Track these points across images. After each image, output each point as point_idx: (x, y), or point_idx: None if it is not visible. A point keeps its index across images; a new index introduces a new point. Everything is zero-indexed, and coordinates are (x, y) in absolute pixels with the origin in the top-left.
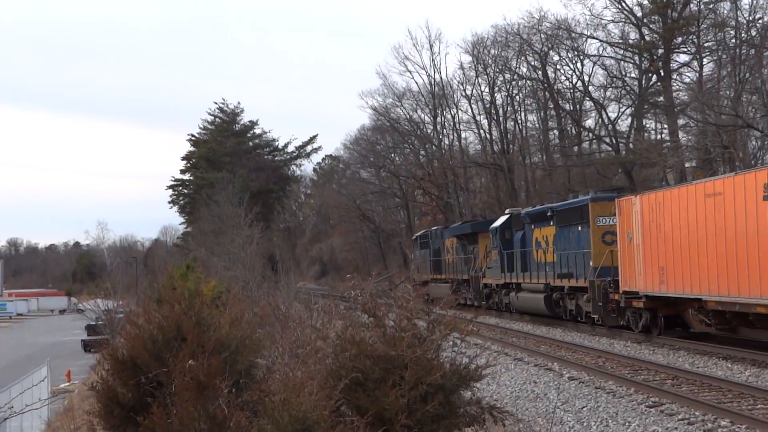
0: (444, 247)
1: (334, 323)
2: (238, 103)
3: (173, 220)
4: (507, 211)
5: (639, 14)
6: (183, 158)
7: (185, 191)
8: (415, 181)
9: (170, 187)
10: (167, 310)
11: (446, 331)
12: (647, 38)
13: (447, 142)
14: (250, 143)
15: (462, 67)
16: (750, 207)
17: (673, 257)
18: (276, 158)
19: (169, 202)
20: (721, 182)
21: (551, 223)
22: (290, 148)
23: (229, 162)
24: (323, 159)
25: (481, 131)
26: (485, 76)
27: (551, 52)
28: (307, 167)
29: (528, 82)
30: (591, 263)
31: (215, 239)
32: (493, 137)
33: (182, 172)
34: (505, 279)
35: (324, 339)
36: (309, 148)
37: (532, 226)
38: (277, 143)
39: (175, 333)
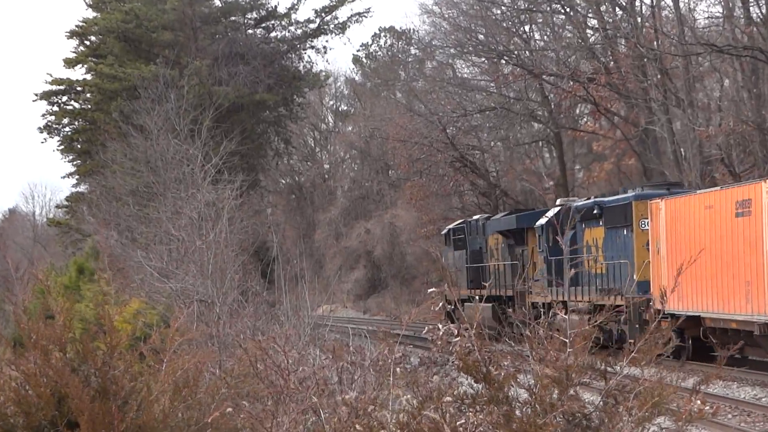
0: (487, 248)
1: (396, 393)
2: None
3: (49, 170)
4: (558, 201)
5: None
6: (71, 35)
7: (75, 106)
8: (578, 86)
9: (43, 97)
10: (36, 364)
11: (643, 412)
12: None
13: (648, 1)
14: (217, 1)
15: None
16: (727, 223)
17: (687, 270)
18: (272, 35)
19: (41, 130)
20: (713, 195)
21: (600, 223)
22: (302, 14)
23: (170, 43)
24: (374, 37)
25: None
26: None
27: None
28: (338, 55)
29: None
30: (634, 276)
31: (140, 210)
32: None
33: (69, 65)
34: (552, 295)
35: (373, 430)
36: (343, 13)
37: (583, 225)
38: (274, 3)
39: (51, 411)
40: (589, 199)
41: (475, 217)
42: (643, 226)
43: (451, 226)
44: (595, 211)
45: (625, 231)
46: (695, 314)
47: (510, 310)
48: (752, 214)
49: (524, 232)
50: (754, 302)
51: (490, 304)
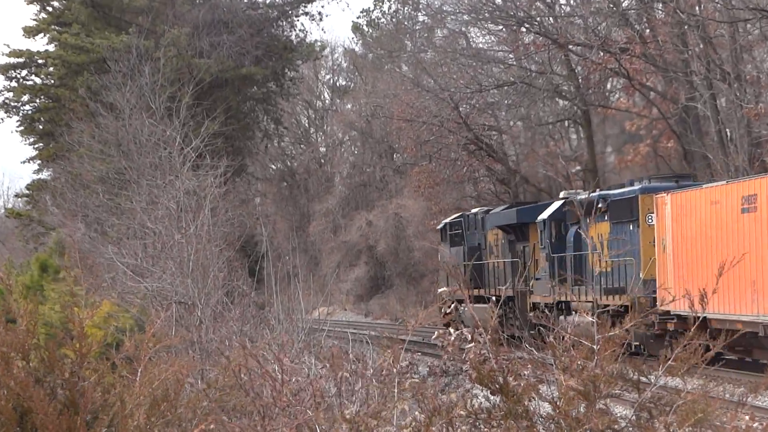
0: (486, 244)
1: (402, 408)
2: None
3: (6, 154)
4: (562, 194)
5: None
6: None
7: (36, 81)
8: (609, 58)
9: (0, 72)
10: None
11: (684, 429)
12: None
13: None
14: None
15: None
16: (733, 220)
17: (692, 269)
18: (260, 0)
19: None
20: (719, 189)
21: (605, 218)
22: None
23: (144, 9)
24: (377, 2)
25: None
26: None
27: None
28: (335, 23)
29: None
30: (640, 274)
31: (111, 200)
32: None
33: (29, 34)
34: (555, 296)
35: None
36: None
37: (587, 220)
38: None
39: (13, 427)
40: (593, 191)
41: (473, 211)
42: (649, 221)
43: (447, 220)
44: (599, 205)
45: (630, 226)
46: (701, 316)
47: (530, 312)
48: (758, 210)
49: (526, 227)
50: (760, 302)
51: (488, 305)
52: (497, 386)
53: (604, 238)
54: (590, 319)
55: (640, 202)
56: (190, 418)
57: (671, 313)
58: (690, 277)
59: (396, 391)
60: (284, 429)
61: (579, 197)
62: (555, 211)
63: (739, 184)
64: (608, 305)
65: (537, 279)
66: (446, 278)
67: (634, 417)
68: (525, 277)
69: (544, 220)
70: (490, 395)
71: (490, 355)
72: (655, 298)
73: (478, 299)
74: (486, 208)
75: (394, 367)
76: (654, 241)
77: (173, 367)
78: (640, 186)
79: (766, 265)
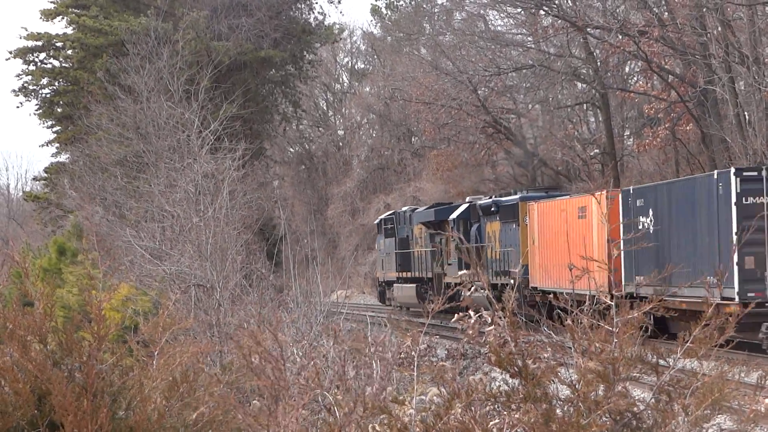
0: (413, 236)
1: (421, 390)
2: None
3: (25, 137)
4: (468, 199)
5: None
6: None
7: (55, 64)
8: (628, 41)
9: (17, 55)
10: (12, 357)
11: (701, 411)
12: None
13: None
14: None
15: None
16: (573, 223)
17: (550, 257)
18: None
19: (16, 93)
20: (565, 201)
21: (497, 218)
22: None
23: None
24: None
25: None
26: None
27: None
28: (353, 5)
29: None
30: (521, 261)
31: (129, 183)
32: None
33: (47, 17)
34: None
35: (394, 429)
36: None
37: (485, 220)
38: None
39: (31, 410)
40: (490, 197)
41: (403, 209)
42: (526, 221)
43: (382, 216)
44: (493, 209)
45: (514, 225)
46: (554, 290)
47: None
48: (586, 218)
49: (442, 224)
50: (591, 281)
51: (414, 285)
52: (516, 369)
53: (497, 234)
54: (487, 292)
55: (520, 207)
56: (206, 400)
57: (538, 288)
58: (548, 263)
59: (415, 373)
60: (293, 410)
61: (479, 203)
62: (462, 211)
63: (577, 198)
64: (497, 283)
65: (449, 264)
66: (381, 263)
67: (653, 400)
68: (441, 263)
69: (454, 219)
70: (509, 378)
71: (510, 339)
72: (527, 278)
73: (407, 280)
74: (413, 207)
75: (412, 350)
76: (528, 237)
77: (192, 350)
78: (520, 195)
79: (590, 255)
